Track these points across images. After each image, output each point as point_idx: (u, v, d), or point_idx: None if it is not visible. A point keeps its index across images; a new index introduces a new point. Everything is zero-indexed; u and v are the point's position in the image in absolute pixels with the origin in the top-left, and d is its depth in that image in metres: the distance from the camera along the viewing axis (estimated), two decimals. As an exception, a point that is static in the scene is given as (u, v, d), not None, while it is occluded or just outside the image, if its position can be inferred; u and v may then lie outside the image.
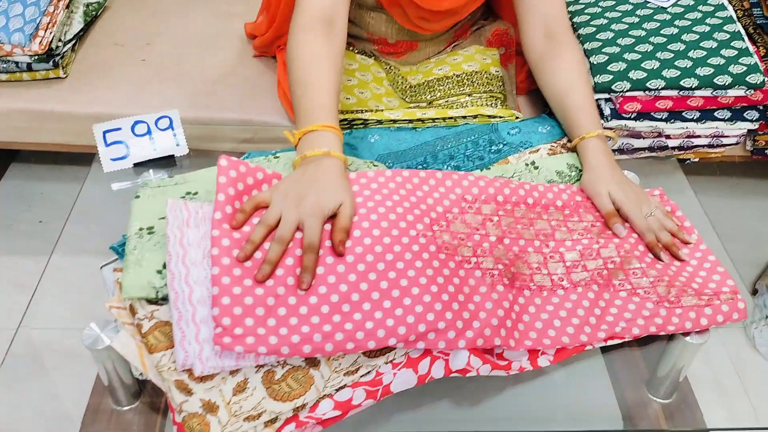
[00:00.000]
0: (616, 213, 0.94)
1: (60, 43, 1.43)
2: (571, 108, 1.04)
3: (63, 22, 1.45)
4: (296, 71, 0.94)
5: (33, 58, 1.38)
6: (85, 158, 1.80)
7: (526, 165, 1.02)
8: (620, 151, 1.31)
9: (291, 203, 0.79)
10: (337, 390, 0.73)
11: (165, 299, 0.76)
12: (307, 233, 0.76)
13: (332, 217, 0.80)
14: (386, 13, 1.17)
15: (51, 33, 1.40)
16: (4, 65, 1.39)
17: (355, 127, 1.10)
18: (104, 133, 1.04)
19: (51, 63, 1.41)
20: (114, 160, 1.04)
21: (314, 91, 0.91)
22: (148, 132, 1.05)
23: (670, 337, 0.85)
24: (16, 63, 1.39)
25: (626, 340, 0.84)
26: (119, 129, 1.04)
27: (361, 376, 0.73)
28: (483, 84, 1.19)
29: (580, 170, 1.01)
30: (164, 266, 0.77)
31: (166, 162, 1.06)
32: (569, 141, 1.05)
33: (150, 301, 0.76)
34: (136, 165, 1.05)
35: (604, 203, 0.94)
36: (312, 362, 0.73)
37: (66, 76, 1.44)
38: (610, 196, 0.94)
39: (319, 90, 0.91)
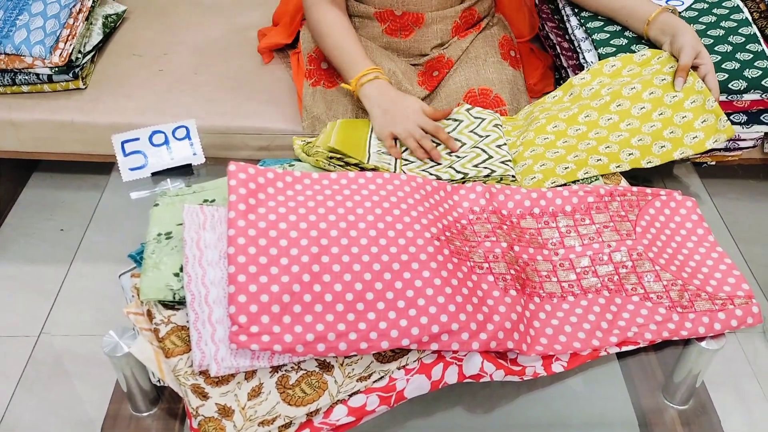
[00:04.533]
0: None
1: (80, 55, 1.46)
2: (625, 3, 1.23)
3: (83, 34, 1.49)
4: (327, 38, 1.21)
5: (53, 70, 1.41)
6: (104, 167, 1.83)
7: None
8: (635, 155, 1.31)
9: (393, 122, 1.07)
10: (350, 396, 0.73)
11: (182, 302, 0.77)
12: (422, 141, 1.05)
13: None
14: None
15: (71, 45, 1.43)
16: (26, 77, 1.43)
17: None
18: (123, 143, 1.06)
19: (71, 74, 1.44)
20: (132, 169, 1.06)
21: (349, 48, 1.18)
22: (166, 142, 1.07)
23: (686, 343, 0.85)
24: (37, 75, 1.43)
25: (640, 345, 0.83)
26: (137, 139, 1.06)
27: (374, 382, 0.74)
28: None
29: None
30: (181, 269, 0.79)
31: (184, 171, 1.08)
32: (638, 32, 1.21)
33: (167, 306, 0.77)
34: (153, 174, 1.07)
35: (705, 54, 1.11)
36: (325, 367, 0.74)
37: (86, 87, 1.47)
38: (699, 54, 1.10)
39: (351, 46, 1.18)
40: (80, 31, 1.46)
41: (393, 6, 1.24)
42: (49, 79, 1.44)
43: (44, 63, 1.39)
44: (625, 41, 1.26)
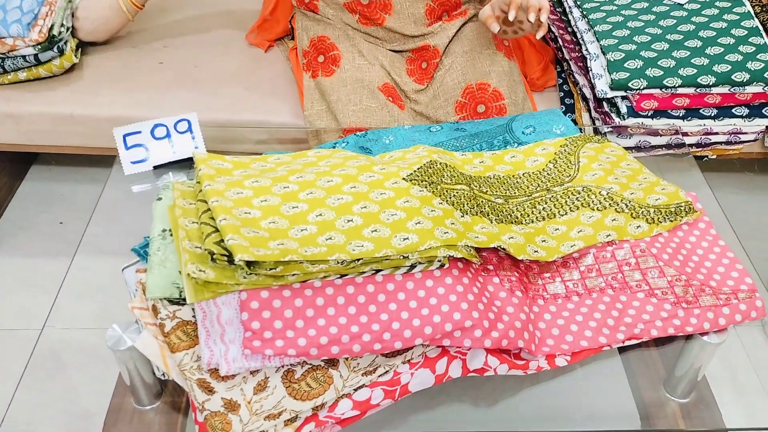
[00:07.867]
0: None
1: (63, 29, 1.41)
2: None
3: (63, 8, 1.43)
4: None
5: (37, 48, 1.37)
6: (102, 160, 1.83)
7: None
8: (637, 148, 1.31)
9: None
10: (355, 390, 0.73)
11: (187, 299, 0.77)
12: None
13: None
14: None
15: (51, 20, 1.38)
16: (14, 61, 1.39)
17: None
18: (124, 136, 1.05)
19: (56, 49, 1.40)
20: (134, 162, 1.05)
21: None
22: (168, 135, 1.07)
23: (688, 336, 0.85)
24: (24, 57, 1.39)
25: (644, 340, 0.84)
26: (139, 132, 1.06)
27: (379, 376, 0.74)
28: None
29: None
30: (187, 267, 0.78)
31: (185, 164, 1.08)
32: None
33: (172, 302, 0.77)
34: (155, 167, 1.06)
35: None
36: (331, 362, 0.74)
37: (78, 61, 1.45)
38: None
39: None
40: (60, 4, 1.41)
41: None
42: (37, 60, 1.40)
43: (24, 42, 1.35)
44: (628, 32, 1.26)
